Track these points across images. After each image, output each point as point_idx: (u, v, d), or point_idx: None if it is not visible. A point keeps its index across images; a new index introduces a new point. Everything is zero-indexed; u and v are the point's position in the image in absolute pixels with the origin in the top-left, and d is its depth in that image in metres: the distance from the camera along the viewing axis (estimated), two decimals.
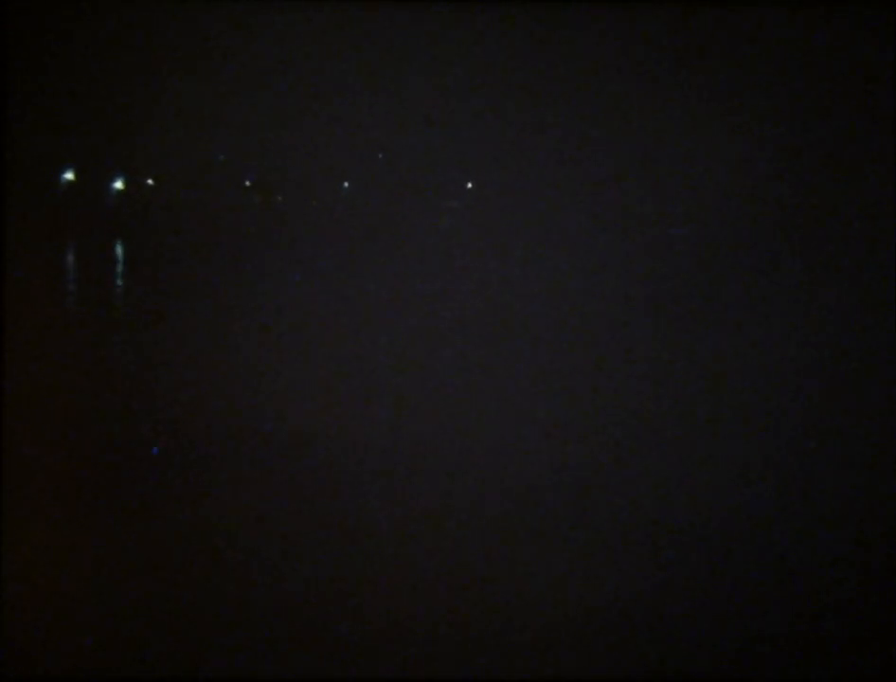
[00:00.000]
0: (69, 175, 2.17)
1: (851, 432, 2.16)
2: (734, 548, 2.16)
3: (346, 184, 2.18)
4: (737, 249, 2.17)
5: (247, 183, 2.17)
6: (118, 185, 2.18)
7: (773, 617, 2.16)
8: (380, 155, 2.18)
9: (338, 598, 2.16)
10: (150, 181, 2.18)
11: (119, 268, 2.17)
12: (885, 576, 2.15)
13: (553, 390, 2.17)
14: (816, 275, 2.17)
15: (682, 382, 2.16)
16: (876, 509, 2.15)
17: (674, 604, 2.15)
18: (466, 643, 2.16)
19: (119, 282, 2.17)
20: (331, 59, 2.19)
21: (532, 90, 2.18)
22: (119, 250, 2.17)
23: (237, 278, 2.17)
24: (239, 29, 2.19)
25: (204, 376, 2.16)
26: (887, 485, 2.15)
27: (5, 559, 2.16)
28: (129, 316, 2.17)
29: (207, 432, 2.15)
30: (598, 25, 2.18)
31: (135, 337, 2.16)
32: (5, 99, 2.18)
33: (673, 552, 2.16)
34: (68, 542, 2.16)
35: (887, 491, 2.15)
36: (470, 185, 2.18)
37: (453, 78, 2.19)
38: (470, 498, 2.16)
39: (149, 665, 2.17)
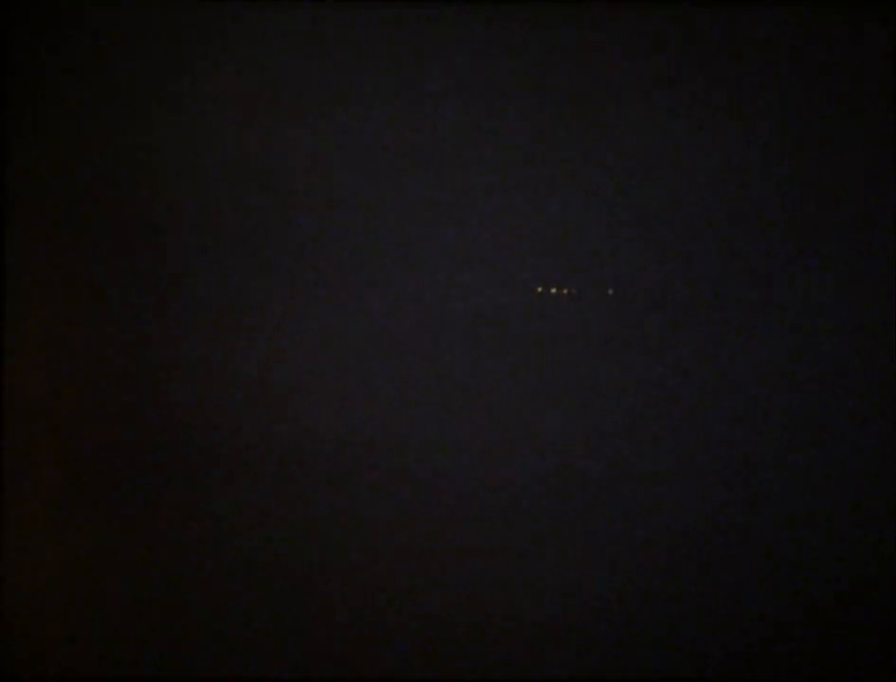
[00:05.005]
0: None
1: (852, 433, 2.16)
2: (735, 551, 2.16)
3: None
4: (737, 251, 2.17)
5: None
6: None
7: (774, 618, 2.16)
8: (382, 158, 2.18)
9: (339, 598, 2.16)
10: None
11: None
12: (887, 576, 2.15)
13: (554, 392, 2.17)
14: (818, 276, 2.17)
15: (684, 385, 2.16)
16: (879, 509, 2.15)
17: (676, 607, 2.15)
18: (467, 643, 2.16)
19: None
20: (336, 60, 2.19)
21: (532, 91, 2.18)
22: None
23: (239, 278, 2.17)
24: (241, 30, 2.19)
25: (205, 377, 2.16)
26: (888, 486, 2.15)
27: (5, 559, 2.16)
28: (130, 317, 2.17)
29: (209, 433, 2.15)
30: (594, 24, 2.18)
31: (136, 338, 2.17)
32: (5, 99, 2.18)
33: (675, 554, 2.16)
34: (69, 542, 2.16)
35: (889, 491, 2.15)
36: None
37: (453, 80, 2.19)
38: (472, 499, 2.16)
39: (149, 665, 2.17)
